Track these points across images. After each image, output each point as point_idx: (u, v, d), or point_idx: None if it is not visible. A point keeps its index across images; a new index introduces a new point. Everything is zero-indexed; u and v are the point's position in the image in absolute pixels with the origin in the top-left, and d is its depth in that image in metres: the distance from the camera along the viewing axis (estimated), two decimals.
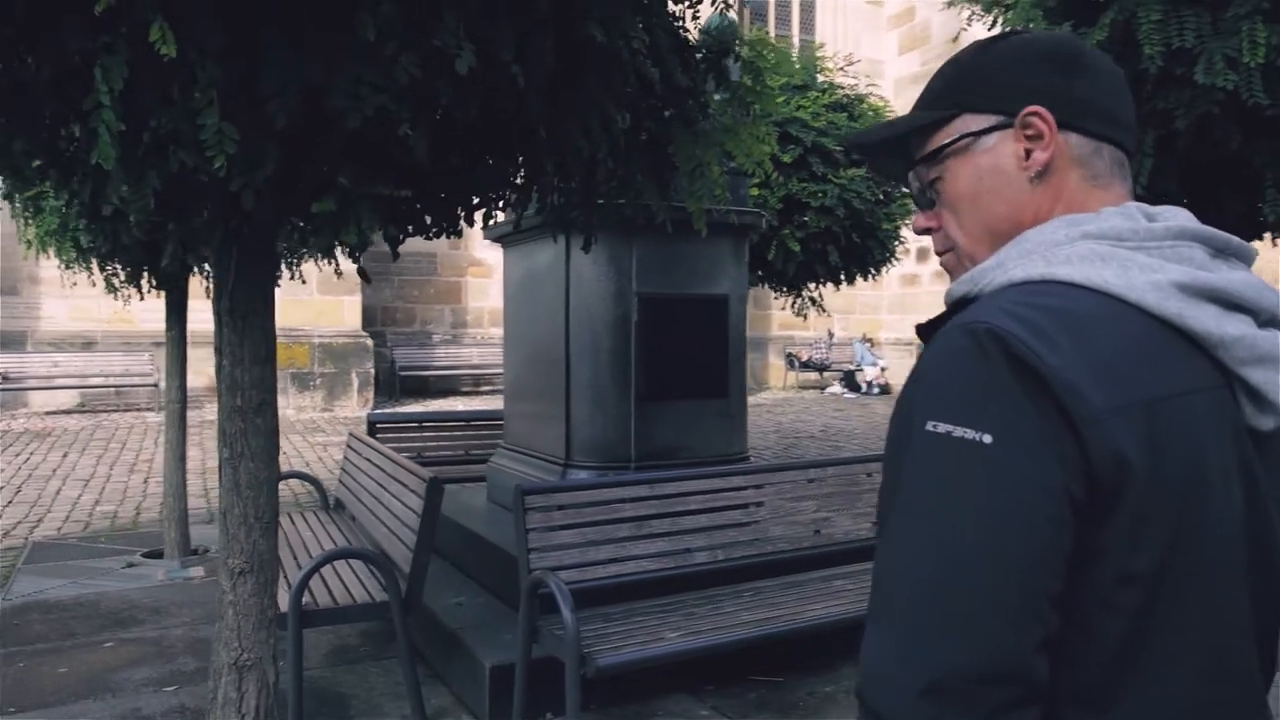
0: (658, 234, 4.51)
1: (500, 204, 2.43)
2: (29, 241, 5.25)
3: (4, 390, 11.43)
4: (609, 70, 2.17)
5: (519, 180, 2.38)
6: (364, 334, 12.90)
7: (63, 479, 8.31)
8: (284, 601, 3.39)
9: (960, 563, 0.75)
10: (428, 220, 2.29)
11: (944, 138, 0.97)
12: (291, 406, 12.12)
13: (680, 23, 2.63)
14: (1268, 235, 4.45)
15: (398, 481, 4.03)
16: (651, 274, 4.56)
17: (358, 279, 12.66)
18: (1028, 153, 0.92)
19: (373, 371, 12.89)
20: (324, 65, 1.74)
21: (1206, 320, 0.83)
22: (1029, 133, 0.92)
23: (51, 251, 5.38)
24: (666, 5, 2.41)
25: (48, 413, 11.95)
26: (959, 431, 0.77)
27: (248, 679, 2.18)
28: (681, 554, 3.67)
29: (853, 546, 4.12)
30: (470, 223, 2.45)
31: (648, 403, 4.57)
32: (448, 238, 2.57)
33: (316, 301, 12.21)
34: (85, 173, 1.82)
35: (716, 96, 2.85)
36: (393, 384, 13.40)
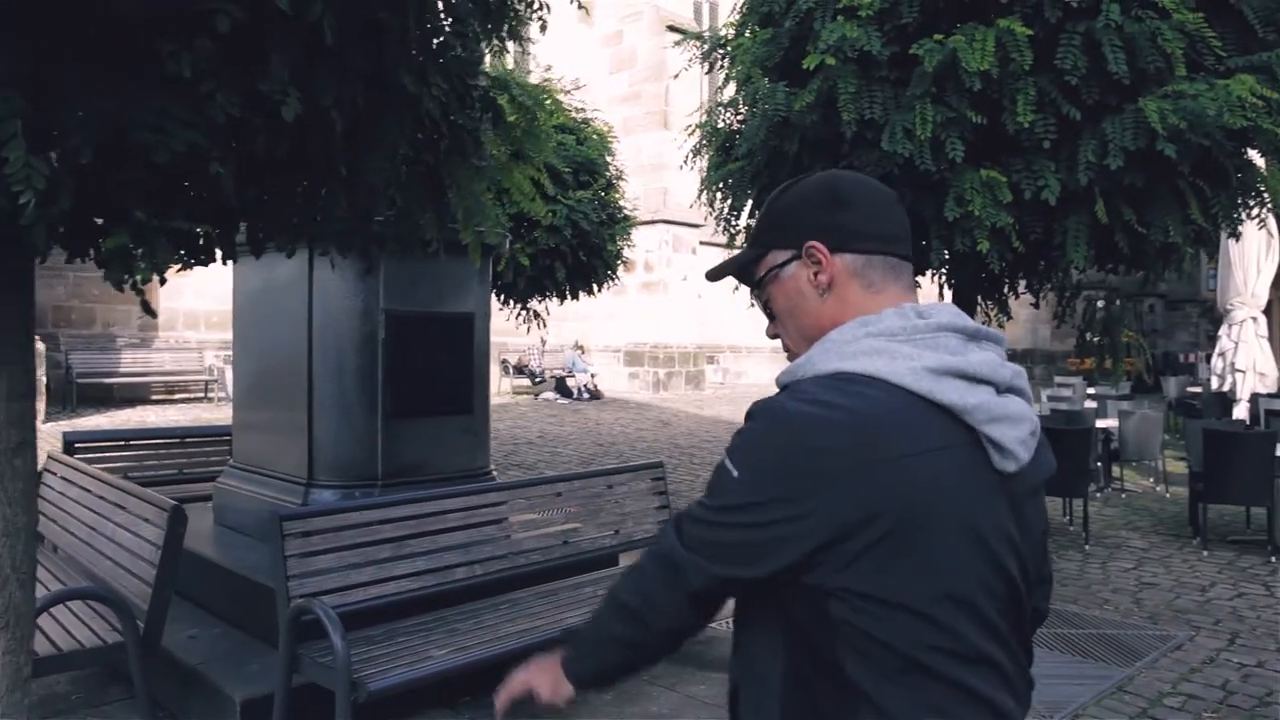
0: (405, 252, 4.55)
1: (291, 234, 2.41)
2: None
3: None
4: (407, 113, 2.26)
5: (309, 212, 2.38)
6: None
7: None
8: None
9: (692, 524, 1.20)
10: (215, 250, 2.22)
11: (760, 270, 1.31)
12: None
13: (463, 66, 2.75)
14: (929, 272, 5.33)
15: (124, 510, 3.75)
16: (399, 291, 4.57)
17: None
18: (815, 274, 1.24)
19: (43, 379, 11.40)
20: (126, 98, 1.70)
21: (951, 393, 1.12)
22: (812, 260, 1.24)
23: None
24: (457, 52, 2.53)
25: None
26: (728, 461, 1.15)
27: None
28: (441, 571, 3.75)
29: (599, 554, 4.40)
30: (258, 252, 2.41)
31: (394, 420, 4.57)
32: (223, 264, 2.49)
33: None
34: None
35: (491, 135, 2.99)
36: (68, 393, 11.94)
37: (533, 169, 2.95)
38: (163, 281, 2.33)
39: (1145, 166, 3.93)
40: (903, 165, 4.30)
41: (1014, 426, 1.15)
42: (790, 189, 1.30)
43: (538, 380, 18.13)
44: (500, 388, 17.95)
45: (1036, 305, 5.54)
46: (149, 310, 2.21)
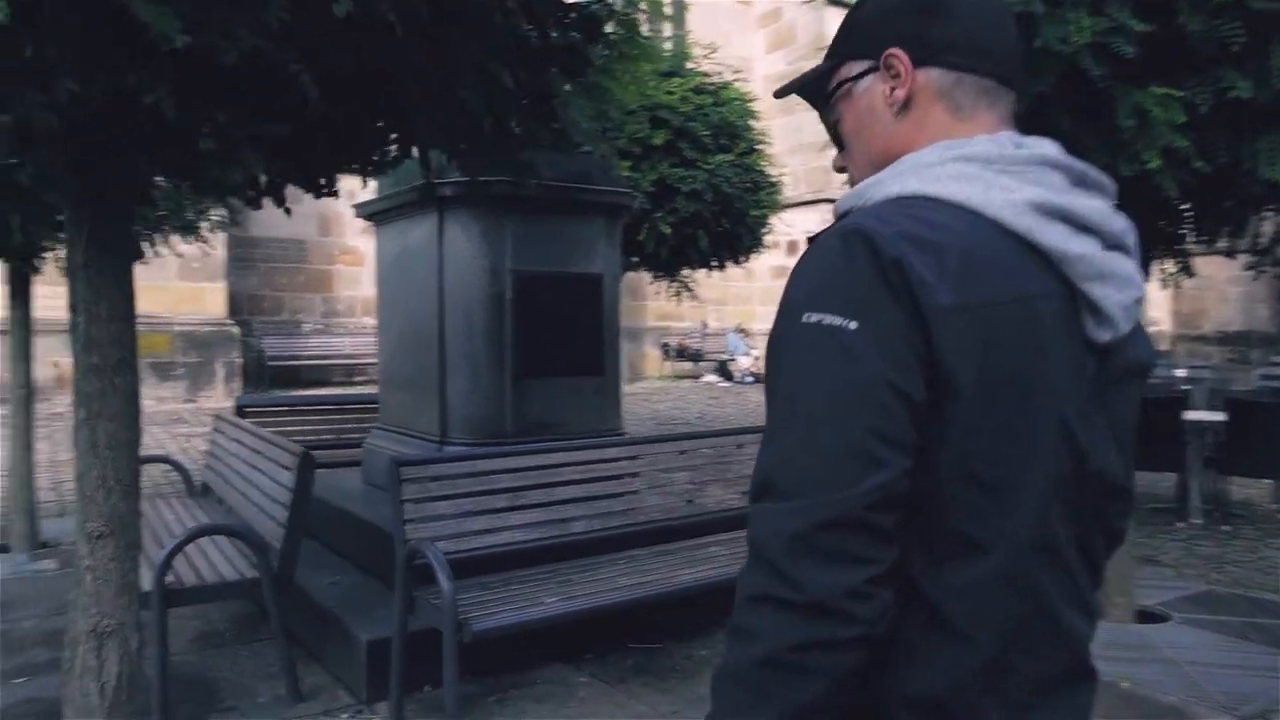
0: (532, 211, 4.56)
1: (384, 159, 2.41)
2: None
3: None
4: (483, 28, 2.20)
5: (396, 137, 2.37)
6: (229, 322, 12.38)
7: None
8: (149, 582, 3.28)
9: (813, 432, 0.85)
10: (311, 170, 2.26)
11: (832, 83, 1.10)
12: (151, 397, 11.51)
13: None
14: None
15: (268, 459, 3.95)
16: (526, 251, 4.59)
17: (222, 265, 12.13)
18: (892, 89, 1.03)
19: (239, 361, 12.38)
20: (196, 3, 1.71)
21: (1054, 237, 0.93)
22: (890, 73, 1.03)
23: None
24: None
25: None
26: (829, 319, 0.87)
27: (108, 646, 2.11)
28: (558, 524, 3.73)
29: (725, 515, 4.26)
30: (364, 172, 2.42)
31: (523, 380, 4.60)
32: (329, 195, 2.52)
33: (176, 288, 11.64)
34: None
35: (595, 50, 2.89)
36: (262, 374, 12.92)
37: (647, 65, 2.85)
38: (283, 204, 2.34)
39: None
40: (1056, 83, 3.84)
41: (1119, 289, 0.95)
42: None
43: (699, 363, 18.07)
44: (662, 370, 18.03)
45: (1229, 254, 4.86)
46: (283, 206, 2.22)
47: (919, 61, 1.01)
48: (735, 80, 7.73)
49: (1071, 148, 1.06)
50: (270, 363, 13.02)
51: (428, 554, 3.13)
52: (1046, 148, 0.99)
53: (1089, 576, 1.00)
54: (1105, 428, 0.98)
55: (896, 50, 1.02)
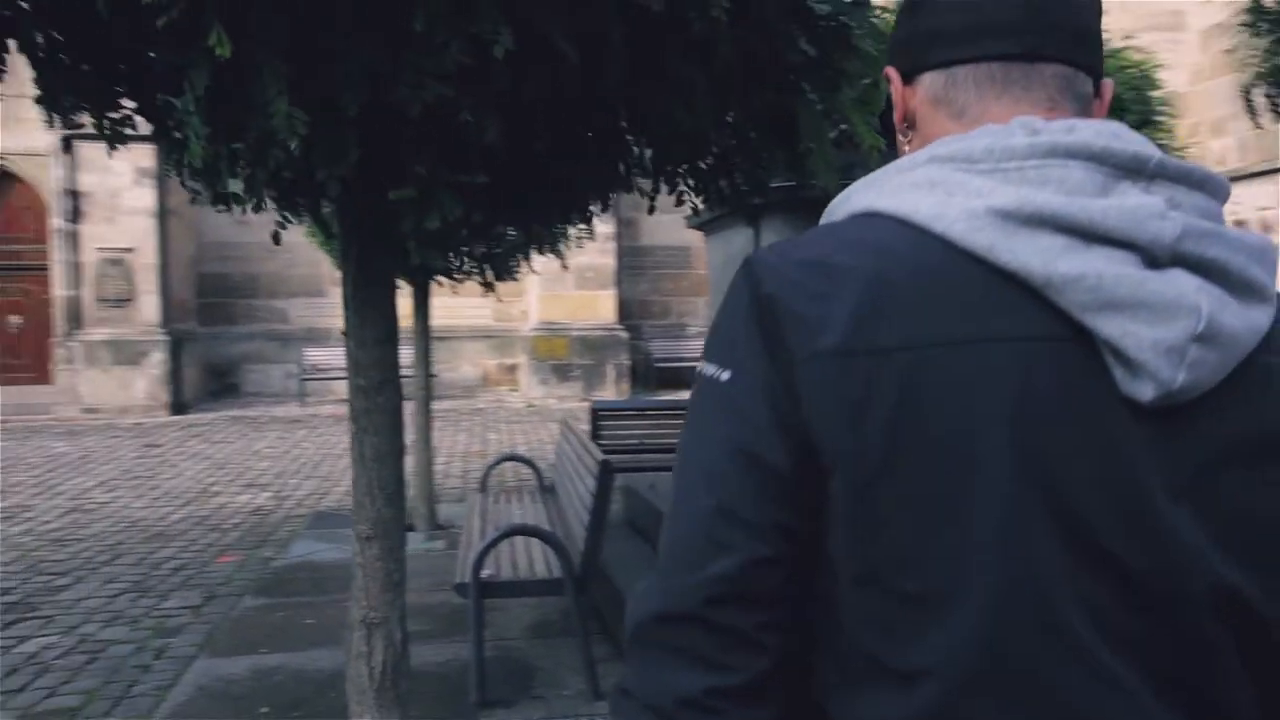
0: (752, 192, 4.35)
1: (612, 192, 2.42)
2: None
3: (313, 380, 13.16)
4: (690, 47, 2.09)
5: (621, 167, 2.36)
6: (619, 326, 13.44)
7: None
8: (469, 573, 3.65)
9: (677, 504, 0.73)
10: (531, 209, 2.33)
11: None
12: (553, 396, 12.91)
13: None
14: None
15: (582, 464, 4.18)
16: None
17: (613, 273, 13.22)
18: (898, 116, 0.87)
19: (628, 363, 13.40)
20: (389, 56, 1.83)
21: (1029, 255, 0.65)
22: (894, 99, 0.86)
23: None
24: None
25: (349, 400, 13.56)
26: (707, 369, 0.74)
27: (375, 636, 2.36)
28: None
29: None
30: (592, 210, 2.46)
31: None
32: (574, 225, 2.59)
33: (574, 296, 12.90)
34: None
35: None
36: (649, 375, 13.86)
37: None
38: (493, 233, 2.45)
39: None
40: None
41: (1154, 321, 0.65)
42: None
43: None
44: None
45: None
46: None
47: (913, 72, 0.83)
48: (1126, 47, 6.65)
49: None
50: (657, 364, 13.91)
51: None
52: (1081, 133, 0.69)
53: None
54: (1197, 527, 0.66)
55: (888, 69, 0.86)
